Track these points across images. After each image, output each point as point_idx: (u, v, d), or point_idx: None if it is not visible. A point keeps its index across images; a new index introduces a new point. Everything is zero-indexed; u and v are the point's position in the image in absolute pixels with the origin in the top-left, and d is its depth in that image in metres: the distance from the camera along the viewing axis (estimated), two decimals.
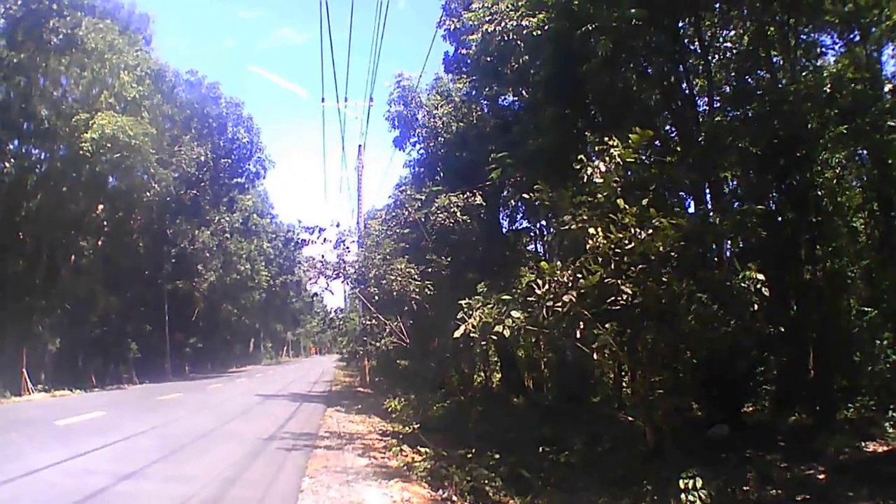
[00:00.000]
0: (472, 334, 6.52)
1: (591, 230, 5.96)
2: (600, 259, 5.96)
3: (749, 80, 12.66)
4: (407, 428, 12.82)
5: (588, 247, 6.01)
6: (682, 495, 6.19)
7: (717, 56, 13.05)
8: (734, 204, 12.27)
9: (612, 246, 5.86)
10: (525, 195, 8.17)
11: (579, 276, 5.98)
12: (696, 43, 12.40)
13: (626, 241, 5.82)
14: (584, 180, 6.16)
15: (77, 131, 20.94)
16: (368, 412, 16.24)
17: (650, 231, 5.76)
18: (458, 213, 12.14)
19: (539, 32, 12.50)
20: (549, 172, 9.97)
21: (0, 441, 9.84)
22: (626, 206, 5.88)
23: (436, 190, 13.07)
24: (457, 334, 6.63)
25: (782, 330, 9.33)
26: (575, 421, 12.60)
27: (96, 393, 22.41)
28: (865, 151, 11.92)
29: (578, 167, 6.20)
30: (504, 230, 20.27)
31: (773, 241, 10.46)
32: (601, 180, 6.02)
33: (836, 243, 12.93)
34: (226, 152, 32.67)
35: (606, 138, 6.23)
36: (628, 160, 5.97)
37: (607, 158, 6.05)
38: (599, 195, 6.05)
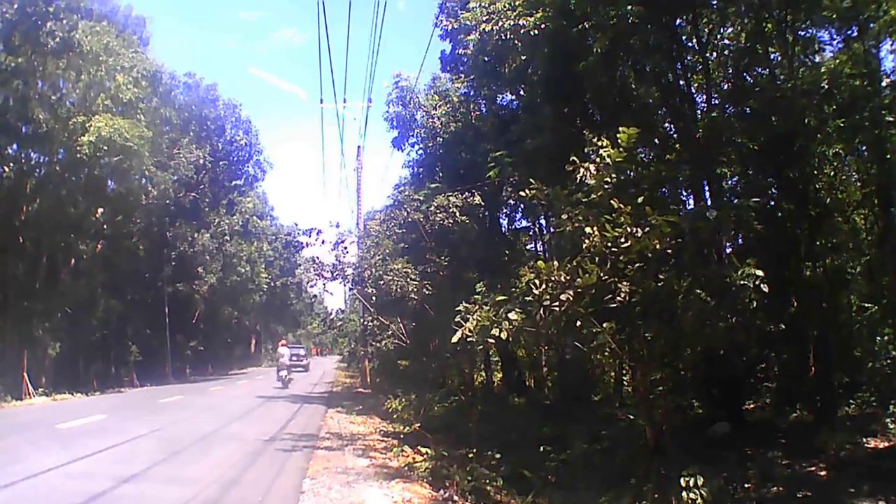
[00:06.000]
0: (469, 338, 6.51)
1: (587, 229, 5.94)
2: (597, 258, 5.94)
3: (747, 76, 12.64)
4: (408, 428, 12.83)
5: (584, 246, 5.99)
6: (683, 493, 6.18)
7: (714, 53, 13.03)
8: (732, 200, 12.27)
9: (609, 245, 5.84)
10: (521, 193, 8.17)
11: (576, 275, 5.97)
12: (694, 40, 12.39)
13: (623, 240, 5.80)
14: (578, 181, 6.15)
15: (75, 135, 20.92)
16: (369, 413, 16.25)
17: (646, 229, 5.74)
18: (457, 214, 12.14)
19: (536, 31, 12.51)
20: (547, 171, 9.96)
21: (2, 444, 9.86)
22: (621, 206, 5.86)
23: (434, 188, 13.07)
24: (454, 339, 6.63)
25: (782, 327, 9.31)
26: (576, 420, 12.60)
27: (97, 396, 22.42)
28: (864, 147, 11.91)
29: (571, 169, 6.19)
30: (503, 229, 20.27)
31: (772, 237, 10.44)
32: (593, 182, 6.01)
33: (836, 239, 12.92)
34: (224, 154, 32.71)
35: (595, 139, 6.22)
36: (618, 160, 5.96)
37: (598, 160, 6.04)
38: (594, 195, 6.03)
